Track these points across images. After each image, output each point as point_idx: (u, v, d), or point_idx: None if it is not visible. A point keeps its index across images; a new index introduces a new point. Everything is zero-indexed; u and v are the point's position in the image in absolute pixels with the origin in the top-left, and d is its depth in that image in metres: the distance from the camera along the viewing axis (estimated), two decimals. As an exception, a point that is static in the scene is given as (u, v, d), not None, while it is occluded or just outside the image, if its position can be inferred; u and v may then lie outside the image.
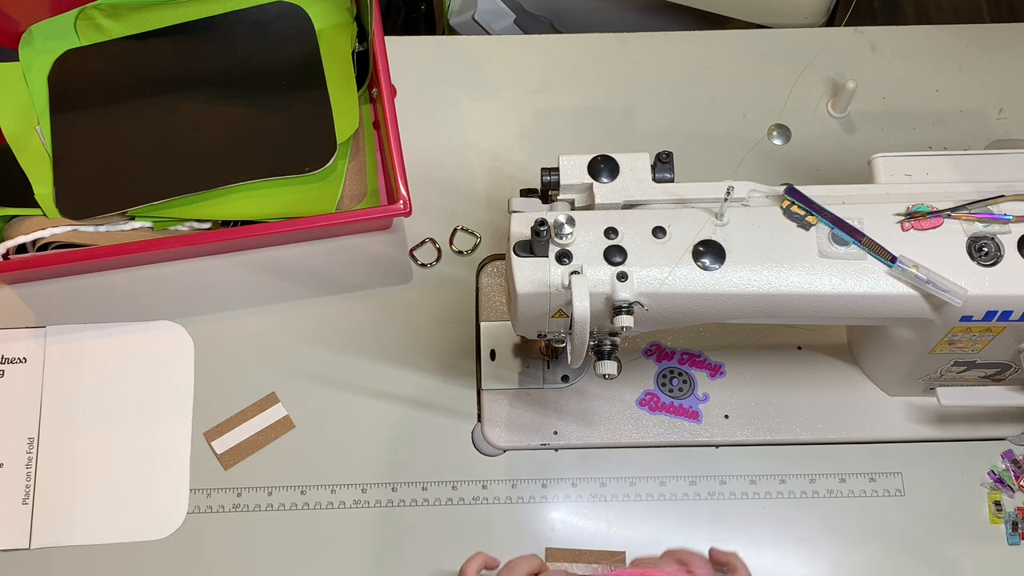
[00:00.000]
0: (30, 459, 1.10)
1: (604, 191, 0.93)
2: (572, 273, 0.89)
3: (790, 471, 1.10)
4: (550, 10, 1.59)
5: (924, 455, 1.11)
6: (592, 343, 0.96)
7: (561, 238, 0.89)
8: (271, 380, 1.13)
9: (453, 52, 1.29)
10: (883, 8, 2.06)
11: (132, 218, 1.15)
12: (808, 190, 0.93)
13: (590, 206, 0.94)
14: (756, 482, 1.10)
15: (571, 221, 0.89)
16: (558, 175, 0.94)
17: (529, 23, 1.59)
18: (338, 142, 1.15)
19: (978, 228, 0.91)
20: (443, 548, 1.07)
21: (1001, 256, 0.90)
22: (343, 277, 1.18)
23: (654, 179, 0.94)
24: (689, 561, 0.93)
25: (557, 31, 1.60)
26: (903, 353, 1.02)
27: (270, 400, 1.13)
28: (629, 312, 0.88)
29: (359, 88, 1.19)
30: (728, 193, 0.89)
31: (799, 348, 1.14)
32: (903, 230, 0.92)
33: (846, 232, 0.91)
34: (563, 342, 1.01)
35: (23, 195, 1.14)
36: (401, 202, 1.10)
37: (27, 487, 1.09)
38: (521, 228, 0.91)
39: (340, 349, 1.15)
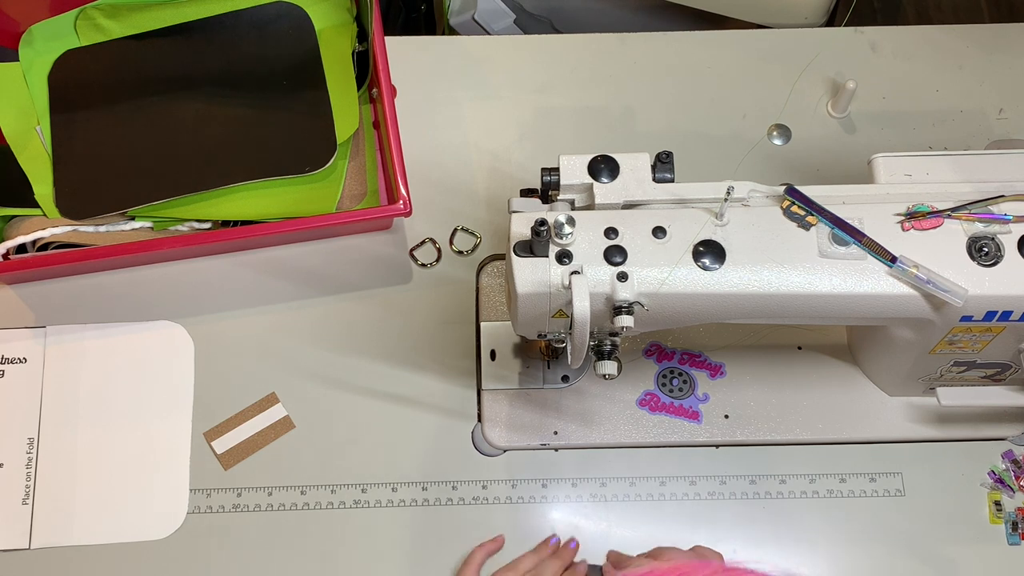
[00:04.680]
0: (30, 459, 1.10)
1: (604, 191, 0.93)
2: (572, 273, 0.89)
3: (790, 471, 1.10)
4: (550, 10, 1.59)
5: (924, 455, 1.11)
6: (592, 343, 0.96)
7: (561, 238, 0.89)
8: (271, 380, 1.13)
9: (453, 52, 1.29)
10: (883, 8, 2.06)
11: (132, 218, 1.15)
12: (808, 190, 0.93)
13: (590, 206, 0.94)
14: (756, 482, 1.10)
15: (571, 221, 0.89)
16: (558, 175, 0.94)
17: (529, 23, 1.59)
18: (338, 142, 1.15)
19: (978, 228, 0.91)
20: (443, 548, 1.07)
21: (1001, 256, 0.90)
22: (343, 277, 1.18)
23: (654, 179, 0.94)
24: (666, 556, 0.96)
25: (557, 31, 1.60)
26: (903, 353, 1.02)
27: (270, 400, 1.13)
28: (629, 312, 0.88)
29: (359, 88, 1.19)
30: (728, 193, 0.89)
31: (799, 348, 1.14)
32: (903, 230, 0.91)
33: (846, 232, 0.91)
34: (563, 342, 1.01)
35: (23, 195, 1.14)
36: (401, 202, 1.10)
37: (27, 487, 1.09)
38: (521, 228, 0.91)
39: (340, 349, 1.15)
